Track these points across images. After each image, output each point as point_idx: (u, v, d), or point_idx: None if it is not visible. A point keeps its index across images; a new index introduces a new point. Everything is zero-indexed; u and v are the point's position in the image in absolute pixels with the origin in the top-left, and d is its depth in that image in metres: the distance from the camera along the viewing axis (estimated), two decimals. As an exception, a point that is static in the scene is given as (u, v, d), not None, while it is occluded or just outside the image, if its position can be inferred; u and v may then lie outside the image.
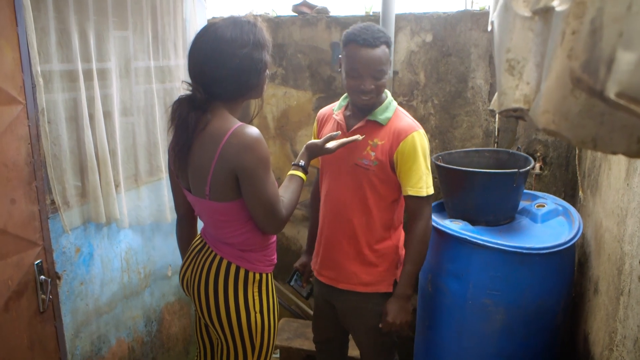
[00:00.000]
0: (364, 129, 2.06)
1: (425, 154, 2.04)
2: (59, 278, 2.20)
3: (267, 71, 1.79)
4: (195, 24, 2.92)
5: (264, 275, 1.87)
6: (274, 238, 1.93)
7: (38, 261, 1.93)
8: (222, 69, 1.67)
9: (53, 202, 2.17)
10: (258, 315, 1.84)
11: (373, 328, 2.17)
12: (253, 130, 1.67)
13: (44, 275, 1.95)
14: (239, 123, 1.69)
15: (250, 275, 1.83)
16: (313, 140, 1.95)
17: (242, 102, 1.80)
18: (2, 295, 1.80)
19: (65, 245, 2.27)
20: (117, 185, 2.47)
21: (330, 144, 1.95)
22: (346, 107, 2.17)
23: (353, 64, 1.94)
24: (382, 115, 2.05)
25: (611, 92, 0.48)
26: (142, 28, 2.61)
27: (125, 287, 2.67)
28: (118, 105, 2.47)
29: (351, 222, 2.12)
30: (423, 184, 2.01)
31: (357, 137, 1.97)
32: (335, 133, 1.97)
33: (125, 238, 2.64)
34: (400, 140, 2.00)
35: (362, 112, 2.08)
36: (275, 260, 1.94)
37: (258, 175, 1.66)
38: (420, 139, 2.02)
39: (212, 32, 1.70)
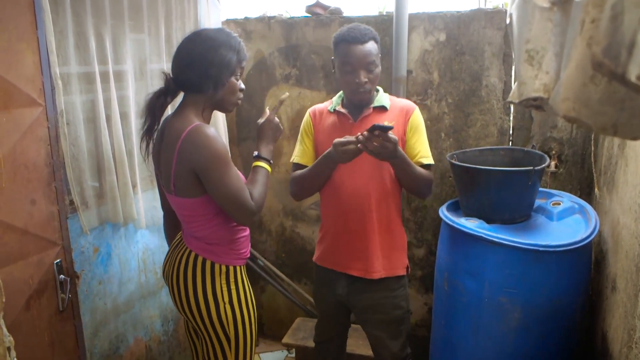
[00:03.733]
0: (371, 115, 2.18)
1: (424, 127, 2.26)
2: (77, 277, 2.22)
3: (236, 79, 1.87)
4: (209, 26, 2.95)
5: (232, 268, 1.93)
6: (245, 232, 1.99)
7: (58, 261, 1.96)
8: (192, 56, 1.80)
9: (72, 202, 2.20)
10: (227, 306, 1.90)
11: (392, 320, 2.27)
12: (206, 130, 1.76)
13: (63, 274, 1.98)
14: (195, 122, 1.78)
15: (217, 267, 1.90)
16: (261, 122, 2.00)
17: (210, 99, 1.85)
18: (23, 294, 1.82)
19: (84, 245, 2.29)
20: (134, 186, 2.50)
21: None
22: (342, 104, 2.26)
23: (346, 60, 2.09)
24: (384, 101, 2.22)
25: (632, 75, 0.48)
26: (157, 31, 2.64)
27: (143, 287, 2.70)
28: (134, 106, 2.50)
29: (375, 209, 2.19)
30: (429, 153, 2.23)
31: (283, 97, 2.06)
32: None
33: (142, 238, 2.67)
34: (409, 116, 2.21)
35: (359, 107, 2.20)
36: (246, 254, 2.00)
37: (215, 171, 1.74)
38: (420, 114, 2.26)
39: (197, 32, 1.88)
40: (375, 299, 2.24)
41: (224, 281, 1.91)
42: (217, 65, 1.79)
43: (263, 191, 1.88)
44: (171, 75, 1.85)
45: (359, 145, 1.96)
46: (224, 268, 1.91)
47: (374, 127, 1.90)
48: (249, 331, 1.96)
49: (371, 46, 2.08)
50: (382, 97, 2.23)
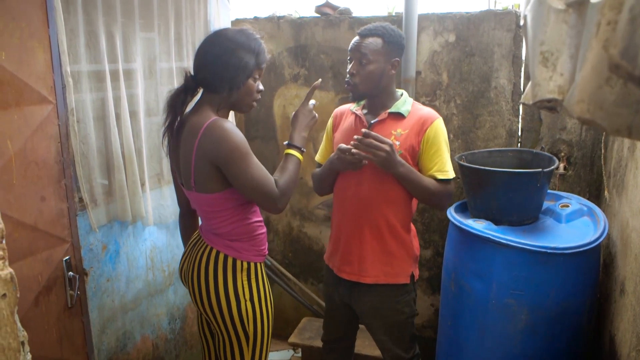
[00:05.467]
0: (386, 120, 2.15)
1: (447, 140, 2.17)
2: (86, 274, 2.24)
3: (253, 81, 1.88)
4: (219, 25, 2.95)
5: (253, 264, 1.94)
6: (264, 229, 2.00)
7: (66, 257, 1.97)
8: (209, 56, 1.82)
9: (81, 199, 2.22)
10: (248, 303, 1.91)
11: (394, 325, 2.23)
12: (224, 123, 1.78)
13: (72, 271, 1.99)
14: (213, 117, 1.80)
15: (238, 263, 1.91)
16: (297, 111, 2.01)
17: (226, 100, 1.87)
18: (32, 290, 1.84)
19: (93, 243, 2.31)
20: (142, 184, 2.51)
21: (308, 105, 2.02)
22: (363, 106, 2.24)
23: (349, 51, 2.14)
24: (403, 107, 2.16)
25: (650, 78, 0.48)
26: (166, 30, 2.65)
27: (150, 285, 2.71)
28: (143, 105, 2.51)
29: (376, 215, 2.15)
30: (449, 167, 2.14)
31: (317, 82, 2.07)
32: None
33: (150, 236, 2.68)
34: (426, 126, 2.11)
35: (376, 110, 2.17)
36: (266, 251, 2.01)
37: (236, 163, 1.76)
38: (443, 126, 2.17)
39: (218, 32, 1.89)
40: (375, 303, 2.22)
41: (245, 278, 1.92)
42: (233, 68, 1.80)
43: (290, 179, 1.88)
44: (192, 73, 1.88)
45: (353, 151, 2.00)
46: (245, 264, 1.92)
47: (365, 133, 1.97)
48: (267, 328, 1.97)
49: (371, 41, 2.07)
50: (402, 103, 2.16)
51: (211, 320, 1.95)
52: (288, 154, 1.94)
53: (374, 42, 2.07)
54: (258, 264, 1.97)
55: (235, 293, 1.90)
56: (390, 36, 2.09)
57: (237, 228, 1.90)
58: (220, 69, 1.80)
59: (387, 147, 1.96)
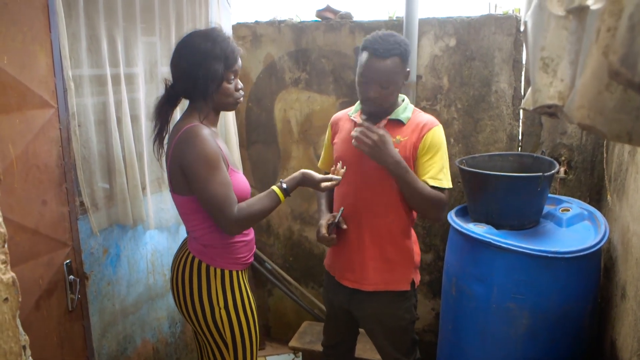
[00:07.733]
0: (386, 127, 2.10)
1: (445, 148, 2.12)
2: (87, 278, 2.24)
3: (229, 83, 1.88)
4: (220, 29, 2.96)
5: (227, 272, 1.93)
6: (245, 237, 1.99)
7: (67, 261, 1.97)
8: (180, 69, 1.85)
9: (82, 203, 2.22)
10: (223, 311, 1.90)
11: (394, 330, 2.22)
12: (199, 130, 1.79)
13: (72, 275, 1.99)
14: (193, 123, 1.82)
15: (212, 270, 1.91)
16: (311, 172, 1.99)
17: (208, 104, 1.88)
18: (33, 294, 1.84)
19: (94, 246, 2.31)
20: (143, 188, 2.51)
21: (324, 185, 1.98)
22: (362, 111, 2.19)
23: (362, 70, 2.02)
24: (403, 114, 2.12)
25: (649, 85, 0.49)
26: (168, 34, 2.66)
27: (151, 289, 2.71)
28: (144, 109, 2.52)
29: (375, 222, 2.14)
30: (443, 175, 2.08)
31: (342, 171, 2.06)
32: (335, 177, 2.01)
33: (151, 240, 2.68)
34: (424, 132, 2.07)
35: (374, 116, 2.13)
36: (246, 260, 1.99)
37: (199, 172, 1.76)
38: (441, 134, 2.12)
39: (185, 41, 1.88)
40: (375, 309, 2.21)
41: (219, 285, 1.91)
42: (202, 80, 1.81)
43: (256, 209, 1.85)
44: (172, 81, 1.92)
45: (352, 142, 1.99)
46: (218, 272, 1.91)
47: (359, 124, 2.00)
48: (248, 337, 1.96)
49: (391, 63, 1.96)
50: (402, 110, 2.12)
51: (190, 324, 1.97)
52: (272, 189, 1.91)
53: (394, 62, 1.97)
54: (234, 272, 1.95)
55: (209, 300, 1.90)
56: (405, 51, 2.01)
57: (210, 233, 1.90)
58: (192, 81, 1.82)
59: (374, 137, 1.93)
